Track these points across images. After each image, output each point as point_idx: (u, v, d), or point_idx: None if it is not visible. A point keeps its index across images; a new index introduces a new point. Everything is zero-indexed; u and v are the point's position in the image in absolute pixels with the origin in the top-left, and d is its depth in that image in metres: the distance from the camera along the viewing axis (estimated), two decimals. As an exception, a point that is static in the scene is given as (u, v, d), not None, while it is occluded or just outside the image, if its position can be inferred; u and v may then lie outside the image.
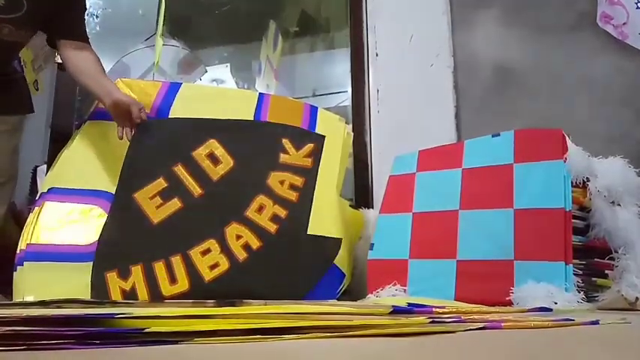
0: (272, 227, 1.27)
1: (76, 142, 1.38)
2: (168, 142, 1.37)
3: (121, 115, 1.31)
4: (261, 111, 1.53)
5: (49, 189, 1.29)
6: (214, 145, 1.36)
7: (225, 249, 1.22)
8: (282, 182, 1.35)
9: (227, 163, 1.35)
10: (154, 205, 1.26)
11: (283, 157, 1.40)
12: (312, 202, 1.35)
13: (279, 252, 1.25)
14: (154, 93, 1.48)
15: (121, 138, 1.31)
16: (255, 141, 1.43)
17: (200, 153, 1.34)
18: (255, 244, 1.24)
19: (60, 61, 2.25)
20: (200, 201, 1.28)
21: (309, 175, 1.39)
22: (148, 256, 1.19)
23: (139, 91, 1.47)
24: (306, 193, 1.35)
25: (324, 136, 1.47)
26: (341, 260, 1.30)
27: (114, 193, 1.30)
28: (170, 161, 1.33)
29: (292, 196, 1.34)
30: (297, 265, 1.25)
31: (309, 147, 1.44)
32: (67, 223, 1.25)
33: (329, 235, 1.30)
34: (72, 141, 1.38)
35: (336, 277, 1.28)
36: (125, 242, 1.23)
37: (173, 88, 1.52)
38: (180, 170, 1.31)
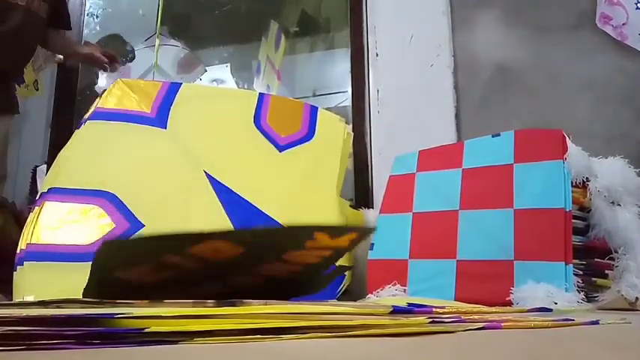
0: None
1: (76, 142, 1.37)
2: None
3: (93, 63, 1.61)
4: (261, 111, 1.53)
5: (49, 189, 1.27)
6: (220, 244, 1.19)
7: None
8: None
9: (235, 250, 1.21)
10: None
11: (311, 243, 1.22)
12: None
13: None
14: (154, 93, 1.49)
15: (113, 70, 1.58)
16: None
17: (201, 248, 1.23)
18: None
19: (59, 60, 2.26)
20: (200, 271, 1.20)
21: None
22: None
23: (139, 91, 1.48)
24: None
25: (371, 228, 1.35)
26: (341, 260, 1.30)
27: (115, 193, 1.29)
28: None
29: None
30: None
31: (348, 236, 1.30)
32: (67, 223, 1.23)
33: None
34: (71, 141, 1.38)
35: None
36: None
37: (173, 88, 1.52)
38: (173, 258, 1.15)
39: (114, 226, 1.25)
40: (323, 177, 1.46)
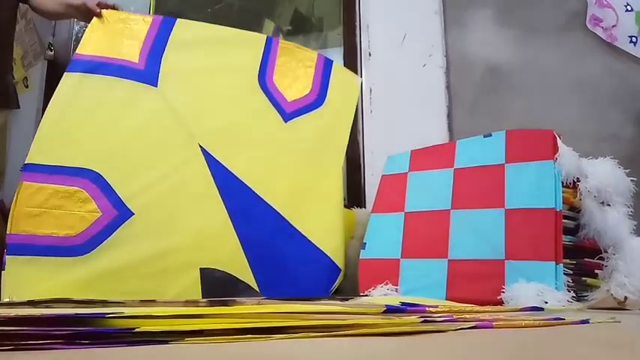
0: None
1: (54, 106, 1.17)
2: None
3: (85, 15, 1.36)
4: (267, 63, 1.33)
5: (25, 165, 1.11)
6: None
7: None
8: None
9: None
10: None
11: None
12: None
13: None
14: (143, 32, 1.27)
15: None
16: None
17: None
18: None
19: (50, 57, 2.24)
20: None
21: None
22: None
23: (125, 30, 1.28)
24: None
25: None
26: (336, 253, 1.26)
27: (100, 172, 1.13)
28: None
29: None
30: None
31: None
32: (48, 208, 1.08)
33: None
34: (50, 104, 1.19)
35: (331, 271, 1.25)
36: None
37: (165, 27, 1.29)
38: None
39: (100, 214, 1.11)
40: (328, 154, 1.30)
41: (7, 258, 1.02)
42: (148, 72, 1.25)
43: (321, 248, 1.25)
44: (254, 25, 2.94)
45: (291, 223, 1.24)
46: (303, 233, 1.25)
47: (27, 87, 2.25)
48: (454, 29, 1.93)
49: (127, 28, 1.27)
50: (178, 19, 1.31)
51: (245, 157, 1.26)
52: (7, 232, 1.05)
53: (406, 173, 1.38)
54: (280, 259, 1.23)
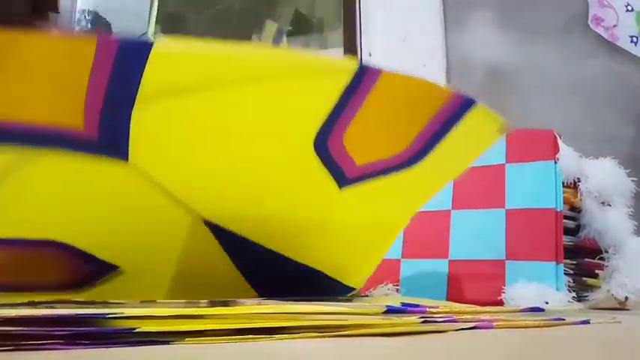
0: None
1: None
2: None
3: None
4: (345, 106, 0.58)
5: None
6: None
7: None
8: None
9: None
10: None
11: None
12: None
13: None
14: (84, 77, 0.47)
15: None
16: None
17: None
18: None
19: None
20: None
21: None
22: None
23: (61, 64, 0.53)
24: None
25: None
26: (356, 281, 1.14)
27: (69, 243, 0.78)
28: None
29: None
30: None
31: None
32: (20, 268, 0.81)
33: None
34: None
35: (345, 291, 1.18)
36: None
37: (133, 55, 0.46)
38: None
39: (80, 268, 0.81)
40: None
41: None
42: (106, 142, 0.67)
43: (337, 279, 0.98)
44: (254, 26, 2.94)
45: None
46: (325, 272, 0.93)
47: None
48: (455, 30, 1.93)
49: (56, 63, 0.61)
50: (156, 43, 0.47)
51: (274, 232, 0.80)
52: None
53: (406, 174, 1.38)
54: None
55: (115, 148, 0.62)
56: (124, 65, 0.48)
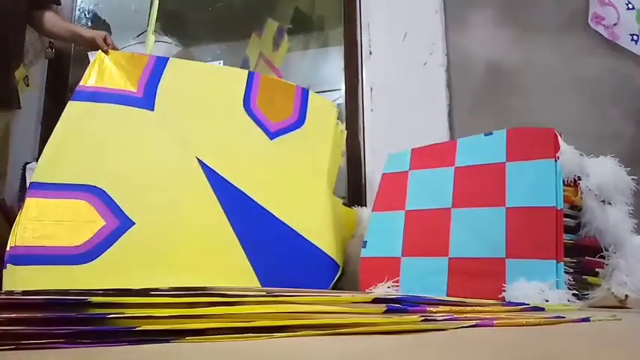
0: None
1: (60, 130, 1.27)
2: None
3: (92, 47, 1.51)
4: (250, 92, 1.48)
5: (31, 183, 1.19)
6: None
7: None
8: None
9: None
10: None
11: None
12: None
13: None
14: (140, 68, 1.41)
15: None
16: None
17: None
18: None
19: (50, 56, 2.24)
20: None
21: None
22: None
23: (124, 65, 1.41)
24: None
25: None
26: (332, 250, 1.31)
27: (103, 188, 1.21)
28: None
29: None
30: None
31: None
32: (52, 221, 1.14)
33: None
34: (56, 130, 1.28)
35: (329, 266, 1.29)
36: None
37: (160, 63, 1.44)
38: None
39: (104, 223, 1.18)
40: (313, 166, 1.43)
41: (9, 267, 1.05)
42: (145, 99, 1.38)
43: (317, 245, 1.32)
44: (255, 24, 2.94)
45: (286, 223, 1.33)
46: (300, 232, 1.32)
47: (27, 86, 2.25)
48: (455, 28, 1.93)
49: (126, 64, 1.41)
50: (171, 58, 1.50)
51: (238, 167, 1.37)
52: (10, 245, 1.07)
53: (407, 172, 1.38)
54: (280, 258, 1.27)
55: (148, 103, 1.37)
56: (156, 67, 1.43)
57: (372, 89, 1.94)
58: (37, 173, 1.20)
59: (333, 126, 1.52)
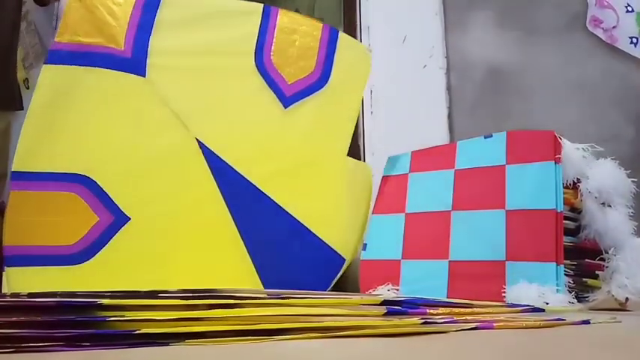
0: None
1: (37, 104, 1.04)
2: None
3: None
4: (265, 38, 1.19)
5: (12, 174, 1.02)
6: None
7: None
8: None
9: None
10: None
11: None
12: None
13: None
14: (127, 13, 1.10)
15: None
16: None
17: None
18: None
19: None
20: None
21: None
22: None
23: (106, 11, 1.10)
24: None
25: None
26: (338, 242, 1.22)
27: (93, 178, 1.03)
28: None
29: None
30: None
31: None
32: (42, 217, 1.01)
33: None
34: (33, 103, 1.05)
35: (333, 260, 1.22)
36: None
37: (150, 6, 1.12)
38: None
39: (97, 219, 1.03)
40: (330, 139, 1.21)
41: (7, 269, 0.98)
42: (134, 60, 1.09)
43: (321, 237, 1.20)
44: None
45: (292, 215, 1.19)
46: (304, 223, 1.19)
47: (28, 88, 2.25)
48: (455, 30, 1.93)
49: (108, 7, 1.09)
50: None
51: (243, 149, 1.17)
52: (3, 244, 0.99)
53: (407, 174, 1.38)
54: (282, 254, 1.19)
55: (138, 66, 1.08)
56: (146, 9, 1.04)
57: (371, 92, 1.94)
58: (17, 161, 1.01)
59: (363, 83, 1.26)
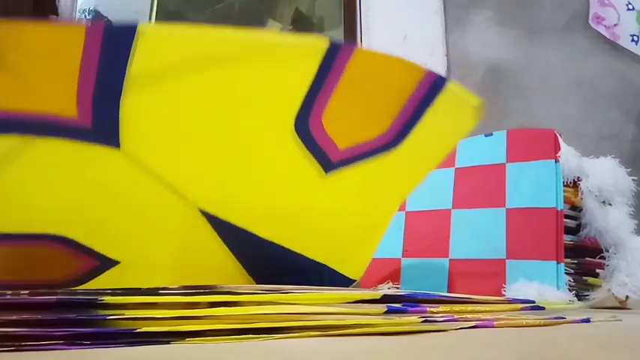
0: None
1: None
2: None
3: None
4: (322, 85, 0.59)
5: None
6: None
7: None
8: None
9: None
10: None
11: None
12: None
13: None
14: (75, 63, 0.49)
15: None
16: None
17: None
18: None
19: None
20: None
21: None
22: None
23: (51, 51, 0.52)
24: None
25: None
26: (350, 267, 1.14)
27: (76, 239, 0.72)
28: None
29: None
30: None
31: None
32: (23, 266, 0.78)
33: None
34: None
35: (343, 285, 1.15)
36: None
37: (119, 41, 0.49)
38: None
39: (80, 264, 0.68)
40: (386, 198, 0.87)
41: None
42: (99, 130, 0.63)
43: (342, 273, 0.94)
44: (256, 25, 2.94)
45: (311, 258, 0.83)
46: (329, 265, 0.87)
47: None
48: (455, 29, 1.93)
49: (50, 52, 0.56)
50: (140, 25, 0.49)
51: (260, 216, 0.74)
52: None
53: (407, 173, 1.37)
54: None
55: (107, 136, 0.62)
56: (112, 50, 0.49)
57: (372, 90, 1.94)
58: None
59: (451, 145, 0.93)
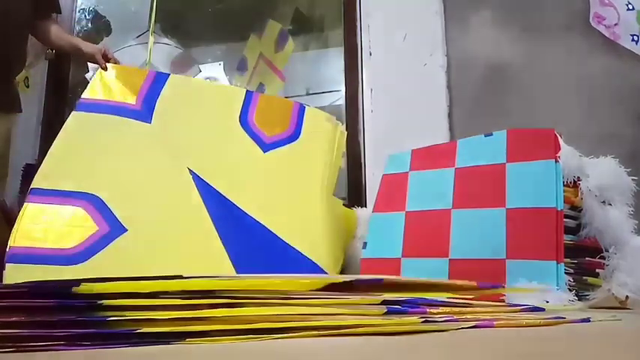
0: None
1: (61, 140, 1.34)
2: None
3: (91, 62, 1.64)
4: (248, 109, 1.53)
5: (31, 190, 1.26)
6: None
7: None
8: None
9: None
10: None
11: None
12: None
13: None
14: (140, 82, 1.48)
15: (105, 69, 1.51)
16: None
17: None
18: None
19: (51, 56, 2.24)
20: None
21: None
22: None
23: (125, 79, 1.48)
24: None
25: None
26: (325, 261, 1.31)
27: (99, 195, 1.27)
28: None
29: None
30: None
31: None
32: (47, 225, 1.20)
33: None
34: (58, 139, 1.36)
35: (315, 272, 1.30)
36: None
37: (160, 79, 1.52)
38: None
39: (96, 229, 1.23)
40: (306, 177, 1.46)
41: (7, 265, 1.12)
42: (143, 112, 1.45)
43: (302, 252, 1.33)
44: (256, 25, 2.94)
45: (276, 234, 1.35)
46: (291, 244, 1.34)
47: (27, 87, 2.26)
48: (455, 28, 1.93)
49: (127, 77, 1.49)
50: (172, 75, 1.57)
51: (229, 179, 1.41)
52: (9, 245, 1.14)
53: (407, 172, 1.38)
54: (261, 260, 1.30)
55: (145, 116, 1.45)
56: (156, 81, 1.51)
57: (372, 90, 1.94)
58: (38, 179, 1.26)
59: (328, 138, 1.56)
